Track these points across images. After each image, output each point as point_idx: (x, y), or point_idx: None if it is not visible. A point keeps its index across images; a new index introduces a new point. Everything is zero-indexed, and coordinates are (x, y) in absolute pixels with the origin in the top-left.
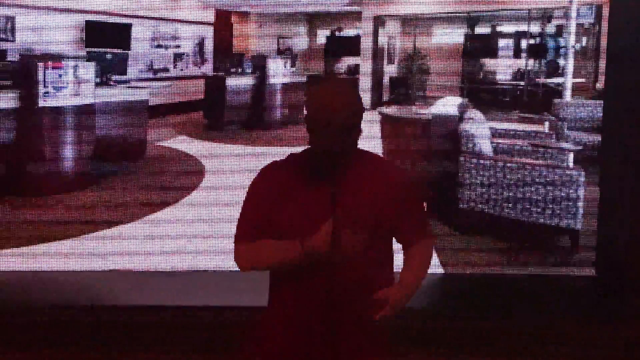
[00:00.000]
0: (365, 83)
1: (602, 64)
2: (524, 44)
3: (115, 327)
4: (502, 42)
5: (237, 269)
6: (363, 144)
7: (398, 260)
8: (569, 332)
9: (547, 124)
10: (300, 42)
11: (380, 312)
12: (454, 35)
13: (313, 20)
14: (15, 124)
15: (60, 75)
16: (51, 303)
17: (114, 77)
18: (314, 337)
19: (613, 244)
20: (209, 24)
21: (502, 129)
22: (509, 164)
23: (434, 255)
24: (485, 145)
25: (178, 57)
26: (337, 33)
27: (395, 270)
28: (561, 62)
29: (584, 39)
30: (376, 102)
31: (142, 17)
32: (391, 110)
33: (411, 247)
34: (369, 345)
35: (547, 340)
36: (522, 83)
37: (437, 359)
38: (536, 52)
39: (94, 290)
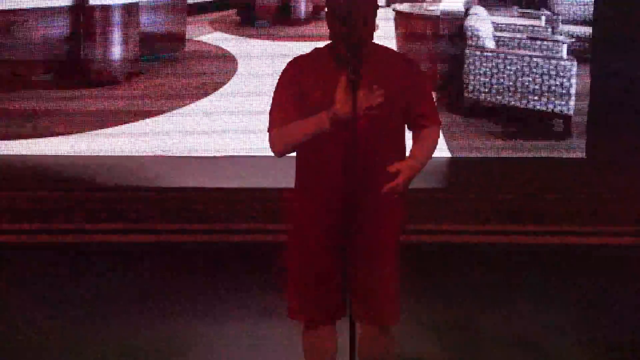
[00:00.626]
0: None
1: None
2: None
3: (160, 205)
4: None
5: (270, 153)
6: (378, 39)
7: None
8: (561, 202)
9: (543, 18)
10: None
11: (391, 184)
12: None
13: None
14: (69, 20)
15: None
16: (106, 184)
17: None
18: (336, 205)
19: (601, 130)
20: None
21: (503, 24)
22: (509, 56)
23: (442, 140)
24: (488, 39)
25: None
26: None
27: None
28: None
29: None
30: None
31: None
32: (404, 7)
33: (420, 131)
34: (386, 213)
35: (540, 206)
36: None
37: (446, 228)
38: None
39: (140, 174)
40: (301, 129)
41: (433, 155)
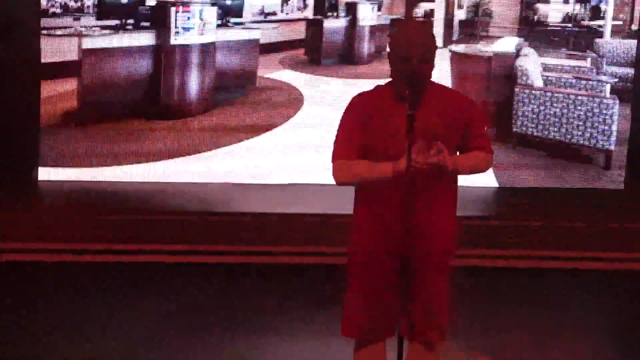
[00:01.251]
0: (438, 25)
1: (637, 8)
2: None
3: (228, 229)
4: None
5: (332, 182)
6: (435, 77)
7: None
8: (601, 230)
9: (589, 60)
10: None
11: (440, 157)
12: None
13: None
14: (152, 58)
15: (188, 18)
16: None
17: (232, 20)
18: (394, 232)
19: None
20: None
21: (551, 64)
22: (556, 94)
23: (491, 171)
24: (537, 78)
25: (285, 2)
26: None
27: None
28: (603, 7)
29: None
30: (447, 41)
31: None
32: (459, 48)
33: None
34: (440, 239)
35: (582, 235)
36: (569, 25)
37: (494, 252)
38: None
39: (211, 200)
40: (366, 173)
41: (482, 184)
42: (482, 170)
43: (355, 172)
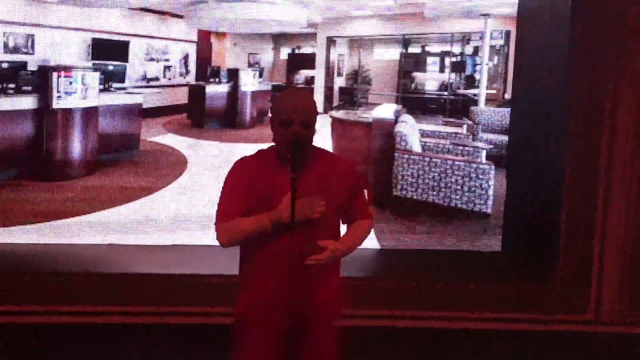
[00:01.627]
0: (319, 91)
1: (510, 78)
2: (447, 61)
3: (114, 290)
4: (430, 60)
5: (216, 243)
6: (317, 142)
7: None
8: (478, 290)
9: (465, 126)
10: (266, 57)
11: (316, 257)
12: (391, 53)
13: (277, 39)
14: (34, 122)
15: (70, 83)
16: (61, 270)
17: (115, 85)
18: (281, 289)
19: (516, 227)
20: (192, 41)
21: (429, 130)
22: (434, 159)
23: (373, 234)
24: (415, 144)
25: (167, 68)
26: (296, 50)
27: None
28: (477, 76)
29: (496, 58)
30: (328, 107)
31: (138, 35)
32: (340, 114)
33: (353, 222)
34: (324, 295)
35: (464, 295)
36: (445, 93)
37: (377, 312)
38: (457, 67)
39: (94, 262)
40: (245, 228)
41: (364, 246)
42: (365, 238)
43: (236, 230)
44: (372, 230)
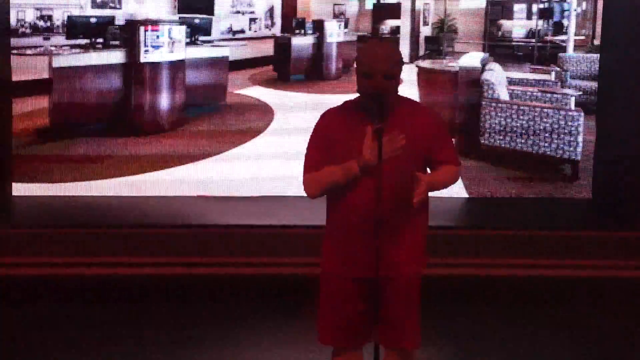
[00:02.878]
0: (404, 41)
1: (599, 24)
2: (534, 8)
3: (202, 240)
4: (516, 7)
5: (302, 194)
6: (403, 91)
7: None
8: (569, 237)
9: (553, 74)
10: (351, 8)
11: (416, 195)
12: (477, 1)
13: None
14: (122, 76)
15: (157, 36)
16: (148, 222)
17: (201, 38)
18: (365, 242)
19: (606, 173)
20: None
21: (516, 78)
22: (522, 107)
23: (461, 182)
24: (503, 92)
25: (252, 20)
26: (381, 0)
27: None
28: (565, 22)
29: (584, 3)
30: (414, 57)
31: None
32: (426, 63)
33: (441, 166)
34: (411, 249)
35: (554, 243)
36: (533, 40)
37: (465, 260)
38: (544, 14)
39: (184, 213)
40: (333, 176)
41: (452, 195)
42: (452, 183)
43: (323, 180)
44: (460, 179)
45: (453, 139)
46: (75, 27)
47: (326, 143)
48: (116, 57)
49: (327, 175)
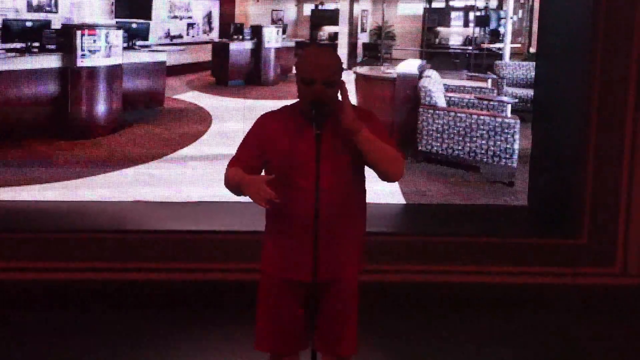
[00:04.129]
0: (342, 47)
1: (534, 32)
2: (471, 15)
3: (139, 245)
4: (454, 14)
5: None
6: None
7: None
8: (505, 244)
9: (490, 81)
10: (289, 14)
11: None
12: (415, 9)
13: None
14: (59, 80)
15: (94, 41)
16: (86, 227)
17: (138, 43)
18: (304, 243)
19: (542, 181)
20: None
21: (453, 85)
22: (459, 114)
23: (398, 188)
24: (440, 99)
25: (190, 25)
26: (319, 6)
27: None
28: (502, 30)
29: (520, 12)
30: (352, 64)
31: None
32: (364, 70)
33: None
34: (348, 255)
35: (490, 250)
36: (470, 47)
37: (402, 267)
38: (481, 22)
39: (121, 218)
40: (233, 180)
41: (389, 201)
42: (391, 160)
43: (227, 181)
44: (398, 184)
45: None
46: (10, 31)
47: (257, 144)
48: (52, 61)
49: (230, 178)
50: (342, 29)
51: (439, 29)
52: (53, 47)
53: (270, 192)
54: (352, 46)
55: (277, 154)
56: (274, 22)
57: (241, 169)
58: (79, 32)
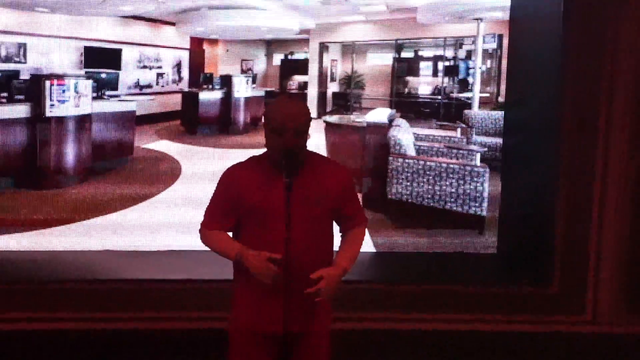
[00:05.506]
0: (312, 97)
1: (503, 82)
2: (440, 65)
3: (109, 296)
4: (422, 64)
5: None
6: (311, 146)
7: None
8: (474, 292)
9: (459, 130)
10: (259, 64)
11: (314, 288)
12: (384, 58)
13: (270, 45)
14: (27, 130)
15: (63, 91)
16: (56, 277)
17: (108, 92)
18: (274, 294)
19: (511, 229)
20: (185, 48)
21: (423, 134)
22: (428, 162)
23: (368, 237)
24: (410, 148)
25: (160, 75)
26: (289, 56)
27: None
28: (470, 80)
29: (488, 62)
30: (321, 112)
31: (130, 43)
32: (333, 118)
33: (347, 232)
34: (315, 310)
35: (460, 298)
36: (439, 97)
37: (372, 315)
38: (450, 72)
39: (91, 267)
40: (217, 248)
41: (361, 250)
42: (359, 248)
43: (210, 244)
44: (368, 233)
45: (359, 194)
46: None
47: (226, 199)
48: (21, 111)
49: (214, 244)
50: (311, 79)
51: (409, 78)
52: (22, 97)
53: (275, 268)
54: (322, 95)
55: (248, 205)
56: (243, 71)
57: (223, 232)
58: (47, 82)
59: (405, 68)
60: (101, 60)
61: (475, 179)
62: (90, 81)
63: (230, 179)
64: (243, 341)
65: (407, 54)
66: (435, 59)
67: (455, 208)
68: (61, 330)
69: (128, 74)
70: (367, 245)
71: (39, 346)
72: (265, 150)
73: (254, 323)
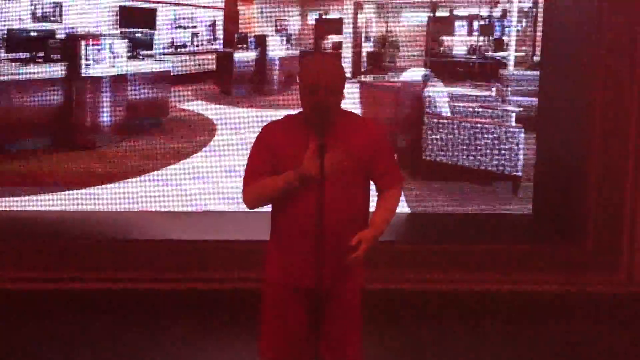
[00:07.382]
0: (346, 56)
1: (538, 41)
2: (475, 24)
3: (144, 256)
4: (457, 23)
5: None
6: (346, 107)
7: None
8: (510, 252)
9: (494, 90)
10: (294, 23)
11: (353, 254)
12: (419, 18)
13: (304, 5)
14: (63, 90)
15: (99, 50)
16: (92, 237)
17: (143, 52)
18: (307, 256)
19: (546, 189)
20: (219, 8)
21: (458, 94)
22: (463, 122)
23: (403, 198)
24: (444, 108)
25: (194, 35)
26: (323, 15)
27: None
28: (506, 39)
29: (524, 21)
30: (356, 72)
31: (165, 2)
32: (368, 78)
33: (383, 192)
34: (348, 268)
35: (495, 258)
36: (474, 57)
37: (406, 275)
38: (485, 31)
39: (125, 228)
40: (272, 186)
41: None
42: (396, 209)
43: (262, 190)
44: (402, 194)
45: (395, 155)
46: (15, 41)
47: (268, 154)
48: (57, 70)
49: (266, 186)
50: (346, 38)
51: (443, 37)
52: (57, 57)
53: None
54: (357, 55)
55: (283, 162)
56: (278, 31)
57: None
58: (83, 42)
59: (440, 27)
60: (136, 20)
61: (511, 139)
62: (125, 41)
63: (267, 134)
64: (275, 295)
65: (442, 13)
66: (470, 18)
67: (490, 168)
68: (96, 289)
69: (163, 34)
70: (402, 207)
71: (70, 304)
72: (301, 109)
73: (286, 276)
